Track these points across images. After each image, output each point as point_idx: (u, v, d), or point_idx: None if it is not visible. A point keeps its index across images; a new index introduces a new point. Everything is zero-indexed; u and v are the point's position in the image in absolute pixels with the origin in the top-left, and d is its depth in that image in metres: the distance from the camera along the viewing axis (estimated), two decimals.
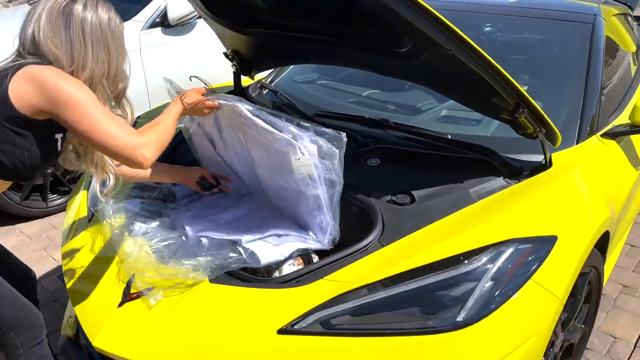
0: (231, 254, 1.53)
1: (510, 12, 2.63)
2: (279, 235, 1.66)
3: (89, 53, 1.36)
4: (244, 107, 1.61)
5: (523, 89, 1.56)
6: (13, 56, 1.39)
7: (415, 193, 1.75)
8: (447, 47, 1.47)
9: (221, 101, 1.65)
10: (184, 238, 1.67)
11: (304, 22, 1.93)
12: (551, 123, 1.67)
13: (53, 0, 1.35)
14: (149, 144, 1.37)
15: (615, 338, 2.23)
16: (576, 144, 1.92)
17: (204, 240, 1.65)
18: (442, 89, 1.84)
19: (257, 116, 1.61)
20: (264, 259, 1.53)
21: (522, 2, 2.73)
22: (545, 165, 1.75)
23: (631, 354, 2.13)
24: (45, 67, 1.32)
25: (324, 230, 1.64)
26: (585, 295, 1.83)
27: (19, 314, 1.49)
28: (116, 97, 1.47)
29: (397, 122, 2.03)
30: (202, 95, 1.63)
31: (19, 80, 1.29)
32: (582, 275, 1.69)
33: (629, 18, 3.06)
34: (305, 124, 1.61)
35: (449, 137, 1.90)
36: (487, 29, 2.71)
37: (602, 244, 1.79)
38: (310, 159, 1.57)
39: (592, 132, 2.00)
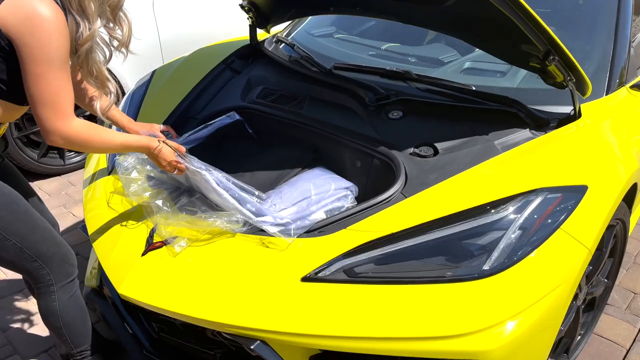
0: (266, 220, 1.50)
1: None
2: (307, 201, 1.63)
3: None
4: (212, 177, 1.54)
5: (554, 35, 1.49)
6: None
7: (439, 145, 1.72)
8: None
9: (192, 167, 1.55)
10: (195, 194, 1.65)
11: None
12: (582, 71, 1.61)
13: None
14: (73, 136, 1.31)
15: (635, 294, 2.21)
16: (606, 94, 1.86)
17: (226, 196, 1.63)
18: (470, 36, 1.77)
19: (224, 188, 1.54)
20: (295, 233, 1.51)
21: None
22: (574, 116, 1.70)
23: None
24: (47, 4, 1.22)
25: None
26: (610, 249, 1.80)
27: (54, 250, 1.49)
28: (112, 11, 1.38)
29: (419, 73, 1.98)
30: (176, 155, 1.55)
31: (13, 2, 1.22)
32: (609, 227, 1.66)
33: None
34: (266, 206, 1.55)
35: (473, 88, 1.85)
36: None
37: (630, 197, 1.75)
38: None
39: (621, 84, 1.94)
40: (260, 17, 2.36)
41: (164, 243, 1.51)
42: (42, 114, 1.28)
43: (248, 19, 2.39)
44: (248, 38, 2.51)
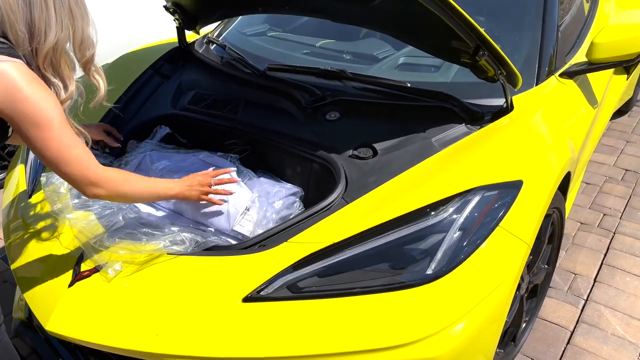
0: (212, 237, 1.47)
1: None
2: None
3: (52, 18, 1.21)
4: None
5: (483, 31, 1.49)
6: None
7: (377, 146, 1.69)
8: None
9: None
10: (129, 213, 1.55)
11: None
12: (511, 65, 1.62)
13: None
14: (111, 185, 1.27)
15: (575, 274, 2.29)
16: (536, 85, 1.89)
17: (160, 214, 1.55)
18: (400, 33, 1.75)
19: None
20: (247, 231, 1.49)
21: None
22: (507, 109, 1.72)
23: (591, 289, 2.20)
24: (15, 63, 1.15)
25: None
26: (548, 236, 1.84)
27: None
28: (84, 66, 1.34)
29: (355, 72, 1.95)
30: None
31: None
32: (546, 217, 1.69)
33: None
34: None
35: (409, 85, 1.83)
36: None
37: (564, 185, 1.79)
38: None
39: (550, 72, 1.98)
40: (187, 18, 2.26)
41: (94, 270, 1.41)
42: (69, 171, 1.21)
43: (174, 20, 2.28)
44: (177, 40, 2.40)
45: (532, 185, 1.47)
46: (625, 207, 2.74)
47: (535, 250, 1.73)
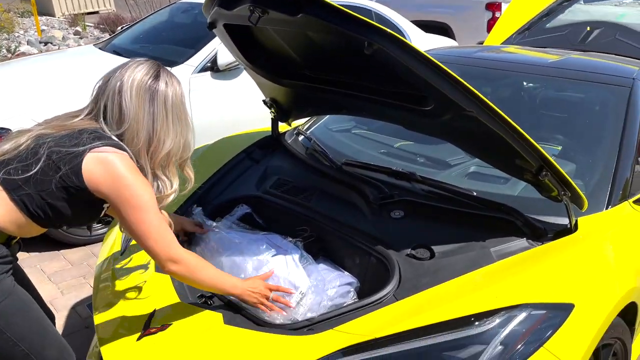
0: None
1: (549, 73, 2.64)
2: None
3: (170, 128, 1.50)
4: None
5: (545, 152, 1.56)
6: (87, 116, 1.50)
7: (436, 248, 1.76)
8: (468, 109, 1.51)
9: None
10: None
11: (336, 76, 2.02)
12: (576, 187, 1.65)
13: (139, 78, 1.46)
14: (186, 266, 1.47)
15: None
16: (606, 209, 1.88)
17: None
18: (465, 147, 1.86)
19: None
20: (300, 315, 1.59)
21: (563, 62, 2.73)
22: (571, 229, 1.73)
23: None
24: (121, 155, 1.42)
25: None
26: None
27: (57, 356, 1.56)
28: (181, 164, 1.60)
29: (424, 175, 2.06)
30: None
31: (96, 162, 1.40)
32: (605, 346, 1.63)
33: None
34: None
35: (474, 194, 1.91)
36: (526, 85, 2.73)
37: (630, 315, 1.72)
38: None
39: (624, 198, 1.96)
40: (281, 112, 2.53)
41: (160, 329, 1.57)
42: (154, 246, 1.44)
43: (270, 113, 2.57)
44: (270, 129, 2.68)
45: (585, 310, 1.45)
46: None
47: None
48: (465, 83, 1.43)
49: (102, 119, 1.48)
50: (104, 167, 1.40)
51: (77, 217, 1.51)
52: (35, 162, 1.40)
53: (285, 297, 1.60)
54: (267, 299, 1.57)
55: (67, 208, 1.44)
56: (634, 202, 1.97)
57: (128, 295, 1.78)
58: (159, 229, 1.43)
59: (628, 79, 2.38)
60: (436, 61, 1.39)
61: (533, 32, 3.63)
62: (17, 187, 1.40)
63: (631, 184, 2.01)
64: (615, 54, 3.04)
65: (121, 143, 1.45)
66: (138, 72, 1.47)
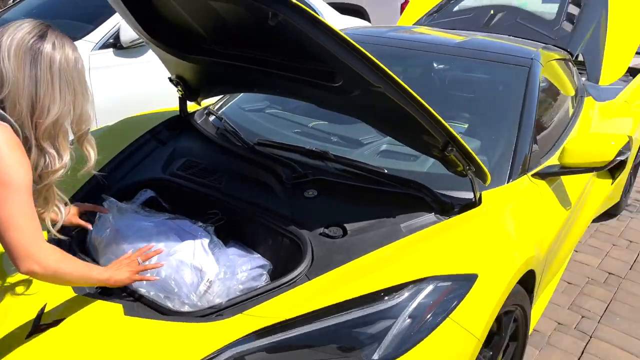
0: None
1: (455, 53, 2.71)
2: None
3: (57, 95, 1.32)
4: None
5: (451, 128, 1.59)
6: None
7: (348, 226, 1.75)
8: (376, 84, 1.49)
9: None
10: None
11: (245, 52, 1.93)
12: (479, 161, 1.71)
13: (19, 37, 1.29)
14: (49, 264, 1.25)
15: None
16: (507, 182, 1.97)
17: None
18: (375, 124, 1.87)
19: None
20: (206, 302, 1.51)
21: (468, 42, 2.82)
22: (475, 203, 1.79)
23: None
24: (1, 126, 1.24)
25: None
26: (512, 333, 1.84)
27: None
28: (79, 139, 1.43)
29: (337, 154, 2.05)
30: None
31: None
32: (507, 313, 1.71)
33: (569, 63, 3.20)
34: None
35: (385, 171, 1.92)
36: (436, 67, 2.80)
37: (528, 283, 1.81)
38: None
39: (523, 172, 2.06)
40: (189, 90, 2.41)
41: (52, 324, 1.44)
42: (14, 238, 1.21)
43: (177, 91, 2.44)
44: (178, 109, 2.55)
45: (487, 280, 1.50)
46: (605, 310, 2.71)
47: (495, 346, 1.73)
48: (372, 56, 1.41)
49: None
50: None
51: None
52: None
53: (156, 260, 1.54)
54: (138, 265, 1.49)
55: None
56: (532, 175, 2.08)
57: (17, 290, 1.61)
58: (27, 217, 1.22)
59: (527, 59, 2.50)
60: (341, 33, 1.36)
61: (441, 15, 3.74)
62: None
63: (530, 159, 2.12)
64: (516, 37, 3.20)
65: (3, 112, 1.29)
66: (19, 32, 1.30)
